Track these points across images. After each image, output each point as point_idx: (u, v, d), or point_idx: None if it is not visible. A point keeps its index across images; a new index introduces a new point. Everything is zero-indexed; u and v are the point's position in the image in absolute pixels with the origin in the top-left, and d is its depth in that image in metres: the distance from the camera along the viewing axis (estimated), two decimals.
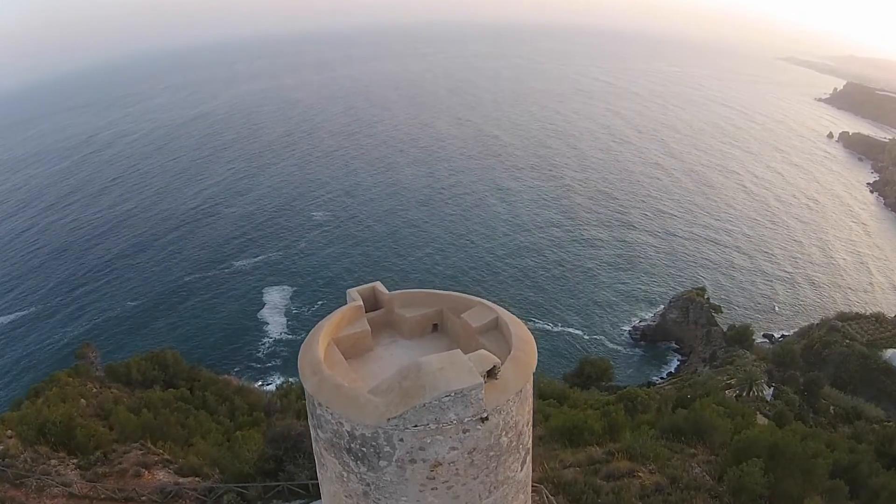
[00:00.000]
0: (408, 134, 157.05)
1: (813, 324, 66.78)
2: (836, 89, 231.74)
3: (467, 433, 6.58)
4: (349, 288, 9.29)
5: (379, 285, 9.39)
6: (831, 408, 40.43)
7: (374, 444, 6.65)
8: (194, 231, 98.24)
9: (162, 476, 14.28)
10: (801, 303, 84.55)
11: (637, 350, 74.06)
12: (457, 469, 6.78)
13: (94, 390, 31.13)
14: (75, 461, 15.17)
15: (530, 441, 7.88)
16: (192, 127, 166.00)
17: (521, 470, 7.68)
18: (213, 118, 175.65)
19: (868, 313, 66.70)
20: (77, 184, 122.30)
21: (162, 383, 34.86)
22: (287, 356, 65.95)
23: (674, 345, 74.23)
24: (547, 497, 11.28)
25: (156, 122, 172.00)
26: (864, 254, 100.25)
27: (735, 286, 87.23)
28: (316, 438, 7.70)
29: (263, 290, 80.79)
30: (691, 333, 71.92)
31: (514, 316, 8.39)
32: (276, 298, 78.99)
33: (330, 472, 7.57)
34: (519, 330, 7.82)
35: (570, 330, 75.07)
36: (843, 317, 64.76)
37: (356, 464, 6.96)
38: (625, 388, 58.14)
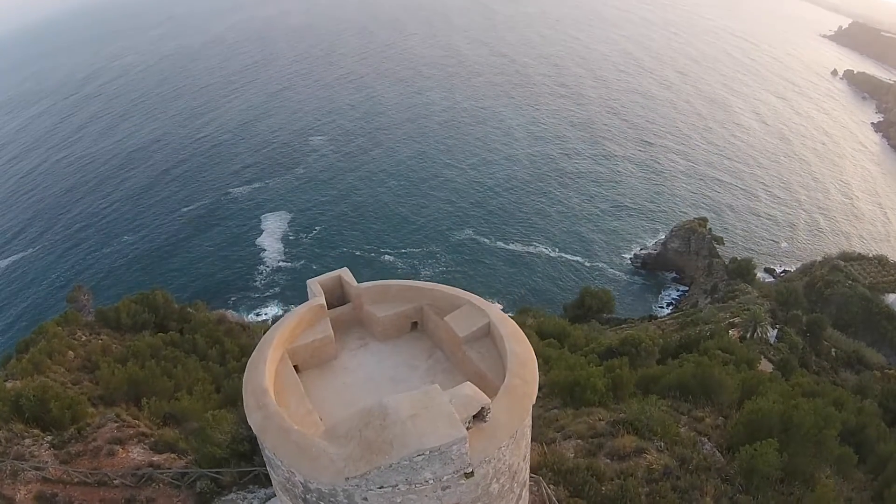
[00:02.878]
0: (420, 56, 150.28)
1: (815, 261, 65.10)
2: (840, 27, 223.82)
3: (448, 490, 5.24)
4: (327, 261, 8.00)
5: (346, 274, 7.76)
6: (833, 350, 40.07)
7: (332, 500, 5.34)
8: (200, 163, 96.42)
9: (136, 454, 13.42)
10: (805, 238, 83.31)
11: (637, 278, 73.47)
12: None
13: (84, 338, 30.45)
14: (49, 439, 14.28)
15: (527, 473, 6.60)
16: (199, 55, 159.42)
17: None
18: (220, 47, 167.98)
19: (871, 255, 65.14)
20: (80, 122, 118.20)
21: (153, 326, 34.11)
22: (284, 284, 66.46)
23: (674, 274, 73.54)
24: (546, 490, 10.30)
25: (160, 54, 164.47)
26: (875, 195, 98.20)
27: (737, 218, 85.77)
28: (270, 474, 6.43)
29: (262, 217, 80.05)
30: (692, 264, 71.05)
31: (511, 320, 6.83)
32: (273, 225, 78.23)
33: None
34: (516, 345, 6.21)
35: (570, 256, 74.19)
36: (846, 256, 63.03)
37: None
38: (625, 320, 57.94)
